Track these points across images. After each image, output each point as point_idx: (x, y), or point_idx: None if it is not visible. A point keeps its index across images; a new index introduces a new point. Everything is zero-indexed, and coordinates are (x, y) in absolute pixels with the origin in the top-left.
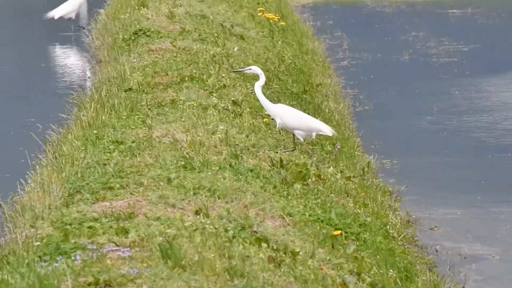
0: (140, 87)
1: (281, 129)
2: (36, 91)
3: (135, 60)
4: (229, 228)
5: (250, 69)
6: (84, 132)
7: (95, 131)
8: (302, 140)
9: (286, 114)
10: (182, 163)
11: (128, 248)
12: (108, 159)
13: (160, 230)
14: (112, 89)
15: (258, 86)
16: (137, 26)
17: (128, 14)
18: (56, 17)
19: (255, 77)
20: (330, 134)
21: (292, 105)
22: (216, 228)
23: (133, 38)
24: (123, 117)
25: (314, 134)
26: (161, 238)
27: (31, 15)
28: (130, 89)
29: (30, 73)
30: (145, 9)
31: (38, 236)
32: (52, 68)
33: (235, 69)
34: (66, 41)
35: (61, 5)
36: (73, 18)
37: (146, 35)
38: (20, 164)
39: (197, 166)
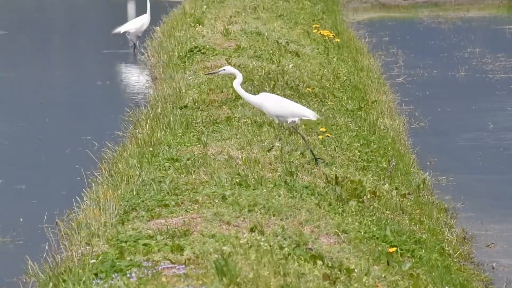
0: (195, 104)
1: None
2: (92, 109)
3: (190, 77)
4: (284, 245)
5: (224, 69)
6: (139, 149)
7: (150, 149)
8: (288, 123)
9: (268, 102)
10: (237, 180)
11: (184, 266)
12: (163, 176)
13: (215, 247)
14: (168, 106)
15: (237, 84)
16: (193, 43)
17: (183, 32)
18: (121, 31)
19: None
20: (314, 118)
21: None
22: (271, 245)
23: (188, 55)
24: (178, 135)
25: (297, 119)
26: (216, 255)
27: (87, 33)
28: (186, 106)
29: (86, 91)
30: (200, 26)
31: (94, 253)
32: (108, 86)
33: (209, 72)
34: (122, 59)
35: (128, 22)
36: (139, 35)
37: (201, 53)
38: (76, 182)
39: (252, 183)
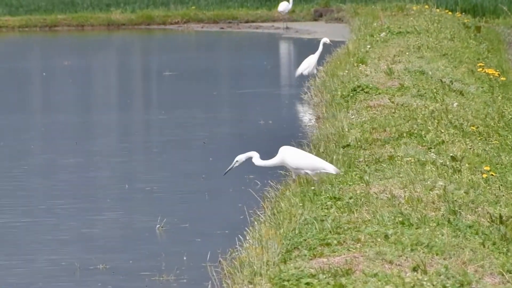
0: (358, 143)
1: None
2: (255, 147)
3: (353, 116)
4: (447, 285)
5: (236, 161)
6: (301, 188)
7: (312, 187)
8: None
9: (289, 156)
10: (400, 219)
11: None
12: (325, 215)
13: (377, 287)
14: (330, 145)
15: (257, 160)
16: (356, 82)
17: (346, 71)
18: (300, 73)
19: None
20: (334, 173)
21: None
22: (434, 285)
23: (351, 94)
24: (340, 173)
25: (317, 173)
26: None
27: (249, 73)
28: (348, 145)
29: (249, 130)
30: (363, 65)
31: None
32: (271, 125)
33: (226, 171)
34: (285, 98)
35: (302, 63)
36: (307, 74)
37: (364, 92)
38: (239, 221)
39: (415, 222)
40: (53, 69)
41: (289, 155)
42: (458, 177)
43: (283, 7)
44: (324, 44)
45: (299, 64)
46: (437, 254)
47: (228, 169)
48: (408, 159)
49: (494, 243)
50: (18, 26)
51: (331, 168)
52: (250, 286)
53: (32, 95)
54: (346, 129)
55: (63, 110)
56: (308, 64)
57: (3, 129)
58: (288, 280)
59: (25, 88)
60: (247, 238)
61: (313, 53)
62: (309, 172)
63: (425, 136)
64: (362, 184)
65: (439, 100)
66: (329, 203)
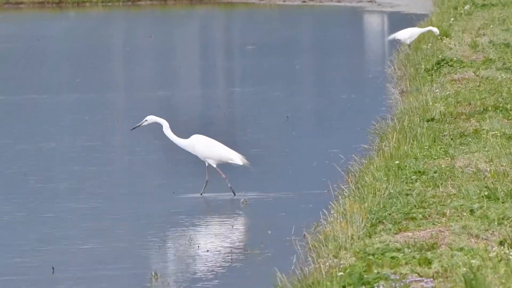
0: (443, 117)
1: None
2: (338, 122)
3: (437, 90)
4: None
5: (146, 120)
6: (386, 162)
7: (396, 162)
8: (215, 166)
9: (198, 145)
10: (486, 193)
11: (431, 279)
12: (410, 189)
13: (463, 261)
14: (414, 119)
15: (166, 129)
16: (440, 56)
17: (430, 44)
18: (396, 38)
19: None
20: (241, 163)
21: None
22: None
23: (435, 68)
24: (425, 147)
25: (223, 162)
26: (464, 269)
27: (332, 48)
28: (433, 119)
29: (332, 105)
30: (447, 39)
31: (341, 266)
32: (354, 99)
33: (134, 127)
34: (367, 72)
35: (403, 30)
36: (409, 43)
37: (448, 65)
38: (323, 195)
39: (501, 196)
40: (136, 44)
41: (198, 144)
42: None
43: None
44: (429, 31)
45: (382, 37)
46: None
47: (137, 125)
48: (493, 133)
49: None
50: (102, 1)
51: (238, 159)
52: (335, 259)
53: (116, 71)
54: (430, 103)
55: (145, 87)
56: (411, 34)
57: (90, 105)
58: (373, 254)
59: (109, 64)
60: (332, 212)
61: (396, 26)
62: (214, 162)
63: (510, 110)
64: (447, 158)
65: None
66: (413, 177)
